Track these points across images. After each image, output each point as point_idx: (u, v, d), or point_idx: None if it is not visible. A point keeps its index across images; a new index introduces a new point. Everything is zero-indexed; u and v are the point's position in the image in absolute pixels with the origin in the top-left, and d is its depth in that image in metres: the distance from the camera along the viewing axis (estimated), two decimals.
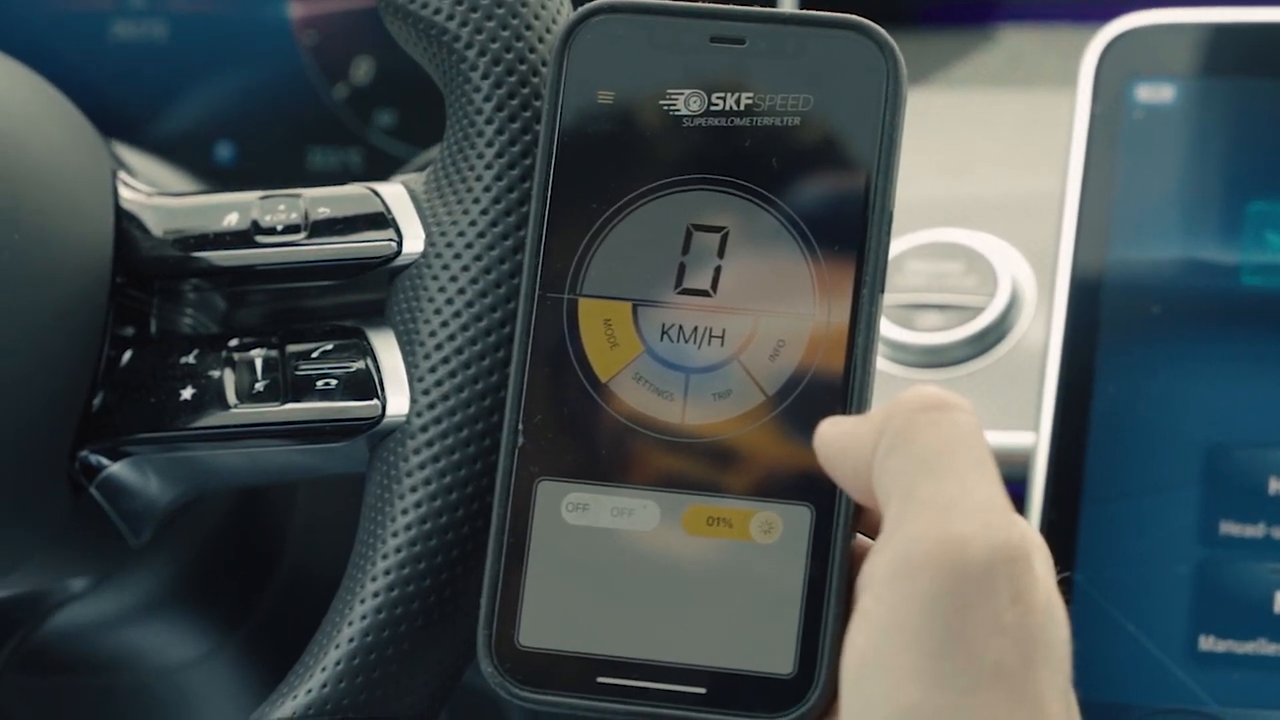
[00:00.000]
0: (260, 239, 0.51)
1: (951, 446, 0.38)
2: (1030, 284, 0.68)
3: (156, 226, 0.53)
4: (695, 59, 0.45)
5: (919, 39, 0.82)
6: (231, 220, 0.51)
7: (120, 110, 0.79)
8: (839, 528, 0.42)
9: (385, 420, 0.48)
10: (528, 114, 0.47)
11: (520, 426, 0.43)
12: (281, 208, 0.51)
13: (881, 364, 0.66)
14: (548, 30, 0.47)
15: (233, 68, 0.79)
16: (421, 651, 0.46)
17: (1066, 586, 0.42)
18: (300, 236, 0.51)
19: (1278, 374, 0.61)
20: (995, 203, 0.73)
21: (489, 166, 0.47)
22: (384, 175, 0.55)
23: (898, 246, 0.69)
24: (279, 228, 0.51)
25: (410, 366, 0.48)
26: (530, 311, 0.44)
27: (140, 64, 0.80)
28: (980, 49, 0.83)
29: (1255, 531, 0.58)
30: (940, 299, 0.69)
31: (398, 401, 0.48)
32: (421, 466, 0.46)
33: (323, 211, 0.50)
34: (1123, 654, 0.57)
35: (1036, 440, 0.61)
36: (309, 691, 0.45)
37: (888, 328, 0.67)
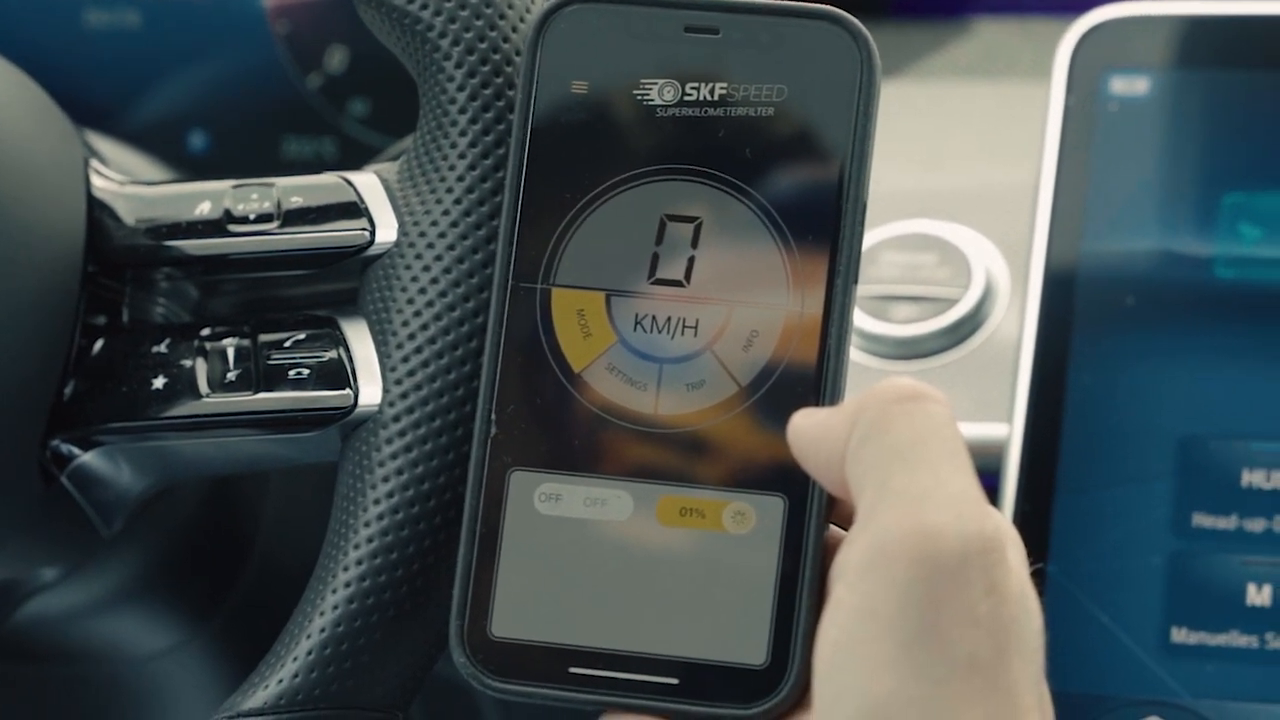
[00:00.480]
0: (233, 228, 0.51)
1: (925, 437, 0.38)
2: (1004, 276, 0.69)
3: (129, 215, 0.53)
4: (669, 49, 0.45)
5: (894, 30, 0.83)
6: (204, 209, 0.52)
7: (93, 98, 0.80)
8: (812, 518, 0.42)
9: (357, 410, 0.48)
10: (501, 103, 0.48)
11: (493, 416, 0.44)
12: (254, 197, 0.51)
13: (855, 355, 0.66)
14: (521, 19, 0.48)
15: (206, 56, 0.80)
16: (393, 641, 0.46)
17: (1040, 578, 0.43)
18: (272, 226, 0.51)
19: (1251, 366, 0.62)
20: (969, 194, 0.74)
21: (462, 156, 0.48)
22: (357, 164, 0.55)
23: (872, 238, 0.70)
24: (251, 216, 0.51)
25: (383, 356, 0.48)
26: (503, 301, 0.44)
27: (113, 52, 0.81)
28: (955, 40, 0.84)
29: (1227, 523, 0.59)
30: (914, 290, 0.69)
31: (370, 391, 0.48)
32: (394, 456, 0.47)
33: (295, 201, 0.51)
34: (1095, 645, 0.58)
35: (1010, 431, 0.62)
36: (280, 681, 0.46)
37: (861, 319, 0.68)
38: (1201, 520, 0.60)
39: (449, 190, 0.48)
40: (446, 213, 0.48)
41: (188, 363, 0.52)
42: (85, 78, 0.80)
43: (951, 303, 0.69)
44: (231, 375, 0.53)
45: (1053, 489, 0.61)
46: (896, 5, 0.85)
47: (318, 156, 0.79)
